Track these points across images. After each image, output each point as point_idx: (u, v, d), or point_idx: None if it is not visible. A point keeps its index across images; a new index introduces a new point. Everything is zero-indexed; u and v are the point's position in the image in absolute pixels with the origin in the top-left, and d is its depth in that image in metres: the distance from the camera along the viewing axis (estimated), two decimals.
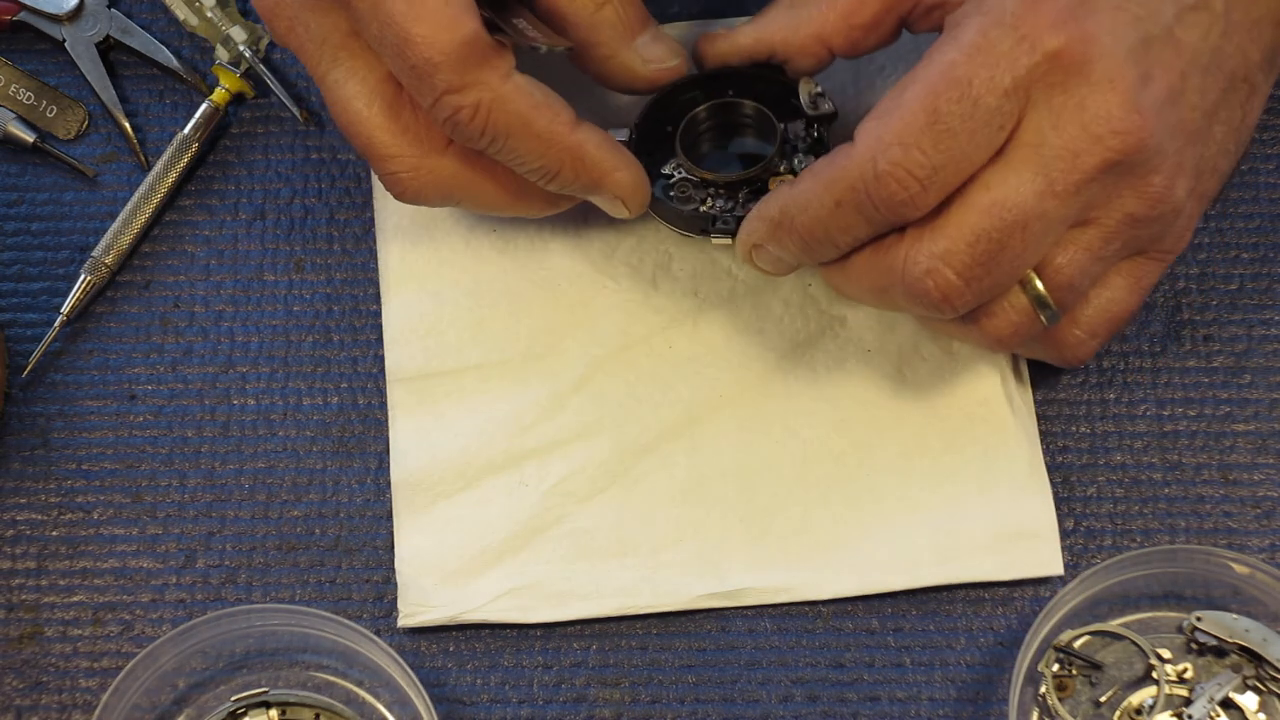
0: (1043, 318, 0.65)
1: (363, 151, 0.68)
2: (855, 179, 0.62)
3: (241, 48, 0.77)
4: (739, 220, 0.68)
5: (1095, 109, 0.61)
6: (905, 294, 0.64)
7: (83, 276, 0.75)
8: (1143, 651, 0.70)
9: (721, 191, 0.69)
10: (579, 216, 0.75)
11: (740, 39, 0.70)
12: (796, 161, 0.69)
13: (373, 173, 0.76)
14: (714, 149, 0.72)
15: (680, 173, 0.70)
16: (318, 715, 0.70)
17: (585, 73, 0.69)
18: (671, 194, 0.70)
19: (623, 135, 0.70)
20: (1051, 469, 0.72)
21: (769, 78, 0.70)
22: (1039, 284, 0.65)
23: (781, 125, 0.69)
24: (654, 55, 0.69)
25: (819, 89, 0.69)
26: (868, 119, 0.63)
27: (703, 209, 0.69)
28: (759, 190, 0.69)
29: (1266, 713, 0.69)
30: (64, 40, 0.78)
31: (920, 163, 0.61)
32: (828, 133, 0.69)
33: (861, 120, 0.63)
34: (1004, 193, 0.62)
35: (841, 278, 0.67)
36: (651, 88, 0.70)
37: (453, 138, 0.66)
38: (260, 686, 0.70)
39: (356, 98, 0.66)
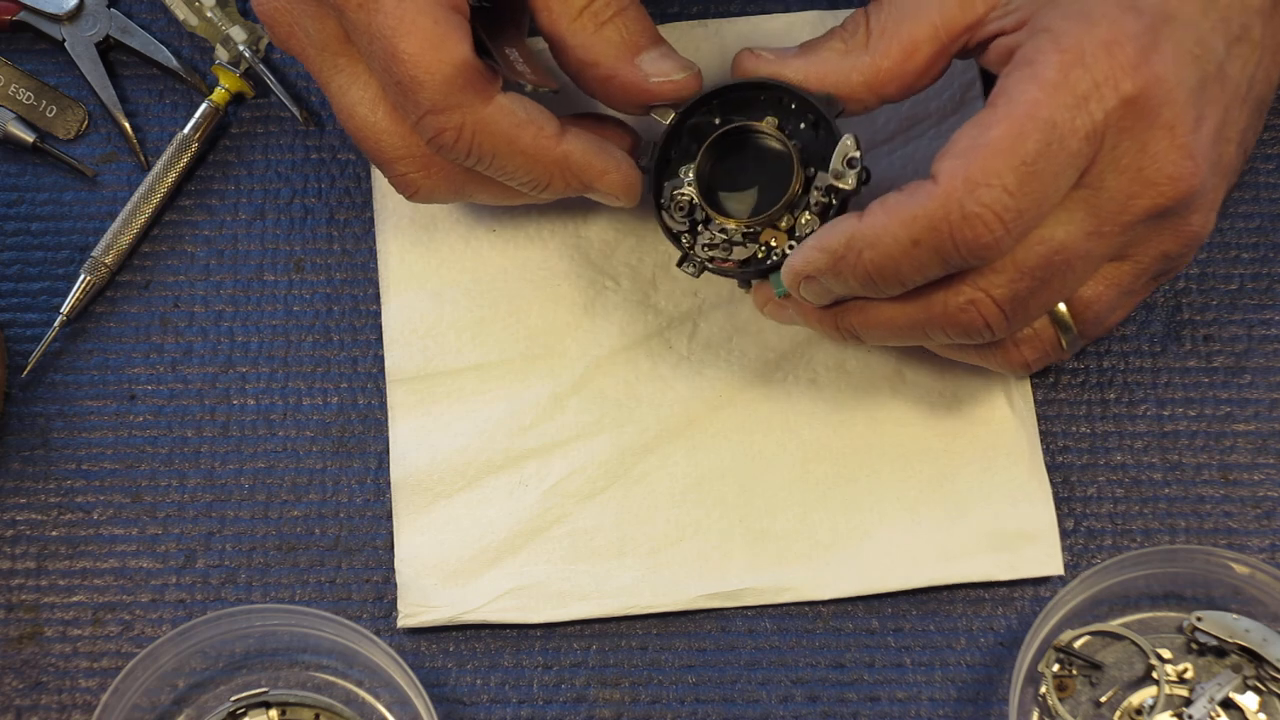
0: (1064, 343, 0.66)
1: (372, 156, 0.68)
2: (939, 218, 0.60)
3: (241, 48, 0.77)
4: (712, 266, 0.67)
5: (1155, 154, 0.61)
6: (945, 324, 0.64)
7: (82, 276, 0.75)
8: (1143, 651, 0.70)
9: (719, 232, 0.67)
10: (579, 216, 0.75)
11: (788, 71, 0.66)
12: (803, 221, 0.66)
13: (373, 172, 0.76)
14: (724, 168, 0.69)
15: (686, 193, 0.68)
16: (318, 715, 0.70)
17: (585, 93, 0.68)
18: (666, 206, 0.68)
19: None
20: (1051, 469, 0.72)
21: (794, 96, 0.67)
22: (1066, 313, 0.65)
23: (798, 177, 0.66)
24: (659, 70, 0.67)
25: (857, 152, 0.65)
26: (948, 156, 0.61)
27: (690, 240, 0.68)
28: (750, 237, 0.67)
29: (1266, 713, 0.69)
30: (64, 40, 0.78)
31: (1008, 205, 0.60)
32: (846, 204, 0.66)
33: (938, 157, 0.61)
34: (1054, 231, 0.62)
35: (866, 322, 0.66)
36: (654, 103, 0.67)
37: (440, 155, 0.66)
38: (260, 686, 0.70)
39: (361, 103, 0.66)
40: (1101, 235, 0.62)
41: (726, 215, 0.67)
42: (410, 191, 0.68)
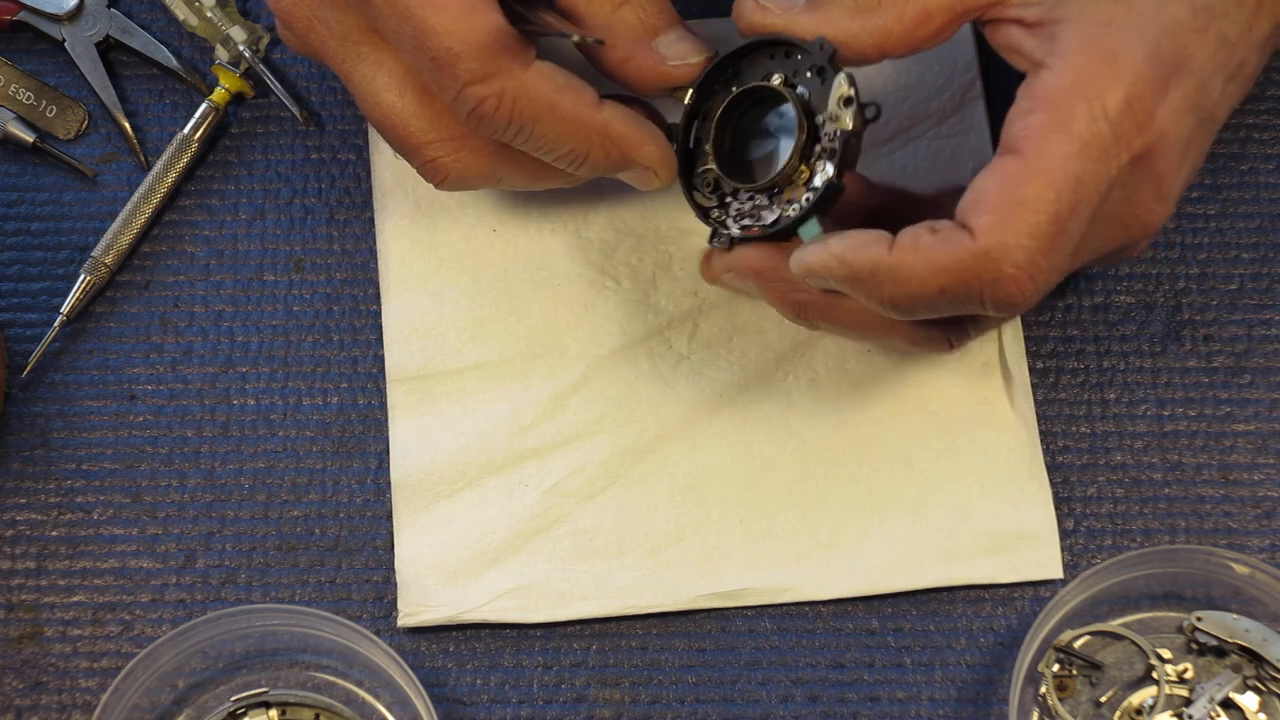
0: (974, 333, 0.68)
1: (400, 143, 0.67)
2: (972, 276, 0.61)
3: (241, 48, 0.77)
4: (740, 235, 0.67)
5: (1138, 204, 0.62)
6: (909, 339, 0.67)
7: (82, 276, 0.75)
8: (1143, 651, 0.70)
9: (747, 200, 0.67)
10: (579, 216, 0.75)
11: (797, 27, 0.65)
12: (820, 169, 0.65)
13: (373, 172, 0.76)
14: (745, 132, 0.69)
15: (711, 169, 0.68)
16: (318, 715, 0.70)
17: (602, 74, 0.68)
18: (697, 186, 0.68)
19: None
20: (1051, 469, 0.72)
21: (796, 48, 0.66)
22: None
23: (802, 127, 0.66)
24: (676, 52, 0.67)
25: (851, 90, 0.65)
26: (983, 210, 0.61)
27: (722, 214, 0.68)
28: (775, 197, 0.67)
29: (1267, 713, 0.69)
30: (64, 40, 0.78)
31: (1041, 265, 0.61)
32: (849, 145, 0.65)
33: (970, 206, 0.61)
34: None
35: (832, 316, 0.67)
36: (670, 87, 0.68)
37: (477, 131, 0.65)
38: (260, 686, 0.70)
39: (387, 89, 0.66)
40: (1070, 270, 0.64)
41: (752, 182, 0.67)
42: (440, 177, 0.67)
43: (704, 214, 0.68)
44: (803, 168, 0.66)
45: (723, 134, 0.68)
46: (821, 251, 0.64)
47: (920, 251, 0.62)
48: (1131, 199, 0.62)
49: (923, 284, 0.62)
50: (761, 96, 0.67)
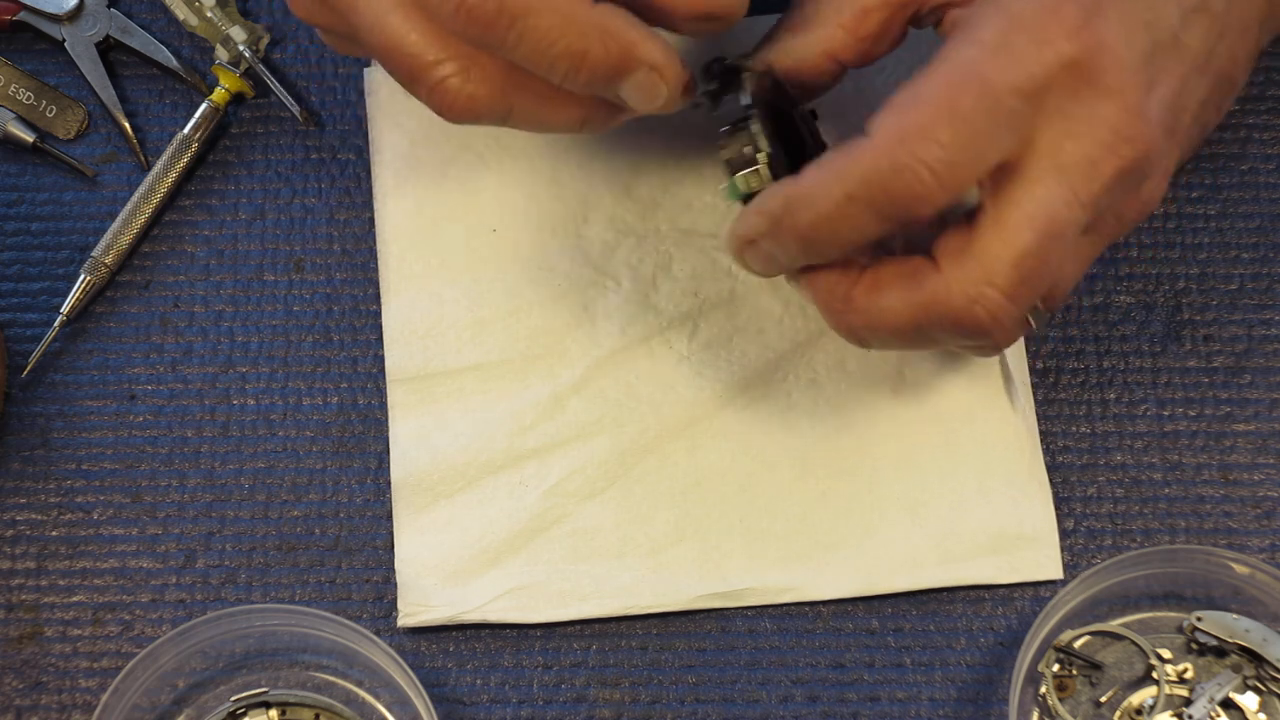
0: (1033, 323, 0.65)
1: (406, 67, 0.64)
2: (870, 171, 0.60)
3: (241, 48, 0.77)
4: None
5: (1105, 118, 0.61)
6: (951, 327, 0.63)
7: (82, 276, 0.75)
8: (1143, 651, 0.70)
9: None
10: (579, 216, 0.75)
11: (752, 64, 0.66)
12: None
13: (373, 172, 0.76)
14: None
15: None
16: (318, 715, 0.70)
17: (631, 6, 0.64)
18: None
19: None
20: (1051, 469, 0.72)
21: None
22: None
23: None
24: None
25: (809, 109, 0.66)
26: (882, 113, 0.61)
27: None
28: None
29: (1267, 713, 0.69)
30: (64, 40, 0.78)
31: (939, 157, 0.60)
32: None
33: (872, 115, 0.61)
34: (1037, 206, 0.61)
35: (868, 323, 0.64)
36: (708, 14, 0.64)
37: (468, 34, 0.62)
38: (260, 686, 0.70)
39: (390, 12, 0.63)
40: (1080, 204, 0.61)
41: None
42: (448, 102, 0.64)
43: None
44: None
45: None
46: (741, 216, 0.64)
47: (823, 166, 0.62)
48: (1094, 113, 0.61)
49: (829, 196, 0.61)
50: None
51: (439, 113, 0.64)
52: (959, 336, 0.63)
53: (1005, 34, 0.60)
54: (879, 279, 0.64)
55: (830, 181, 0.61)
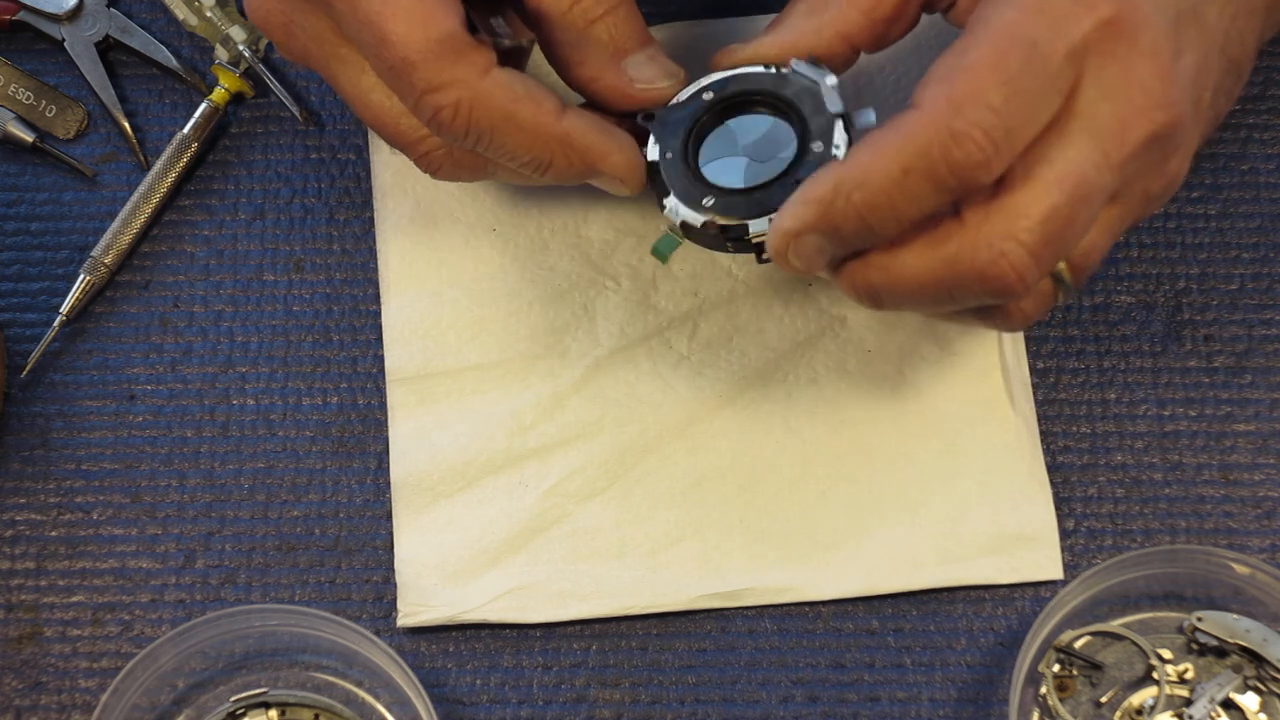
0: (1060, 294, 0.64)
1: (393, 141, 0.67)
2: (927, 142, 0.59)
3: (241, 47, 0.77)
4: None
5: (1140, 79, 0.60)
6: (974, 283, 0.61)
7: (82, 276, 0.75)
8: (1143, 652, 0.70)
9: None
10: (579, 216, 0.75)
11: (763, 49, 0.65)
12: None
13: (373, 172, 0.76)
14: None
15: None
16: (317, 715, 0.70)
17: (573, 89, 0.67)
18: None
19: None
20: (1051, 469, 0.72)
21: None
22: (1063, 264, 0.63)
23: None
24: (644, 76, 0.66)
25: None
26: (928, 85, 0.60)
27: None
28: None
29: (1267, 713, 0.69)
30: (63, 40, 0.78)
31: (995, 123, 0.59)
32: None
33: (919, 86, 0.60)
34: (1068, 166, 0.60)
35: (887, 280, 0.62)
36: (636, 109, 0.66)
37: (439, 137, 0.65)
38: (260, 687, 0.70)
39: (373, 89, 0.66)
40: (1109, 167, 0.61)
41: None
42: (434, 170, 0.67)
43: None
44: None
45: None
46: (786, 210, 0.62)
47: (873, 145, 0.60)
48: (1130, 72, 0.60)
49: (885, 173, 0.59)
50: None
51: (427, 174, 0.68)
52: (981, 295, 0.62)
53: None
54: (902, 240, 0.62)
55: (884, 157, 0.59)
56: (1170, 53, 0.61)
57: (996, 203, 0.60)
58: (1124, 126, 0.60)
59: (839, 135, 0.63)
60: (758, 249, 0.64)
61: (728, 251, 0.65)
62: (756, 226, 0.63)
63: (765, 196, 0.63)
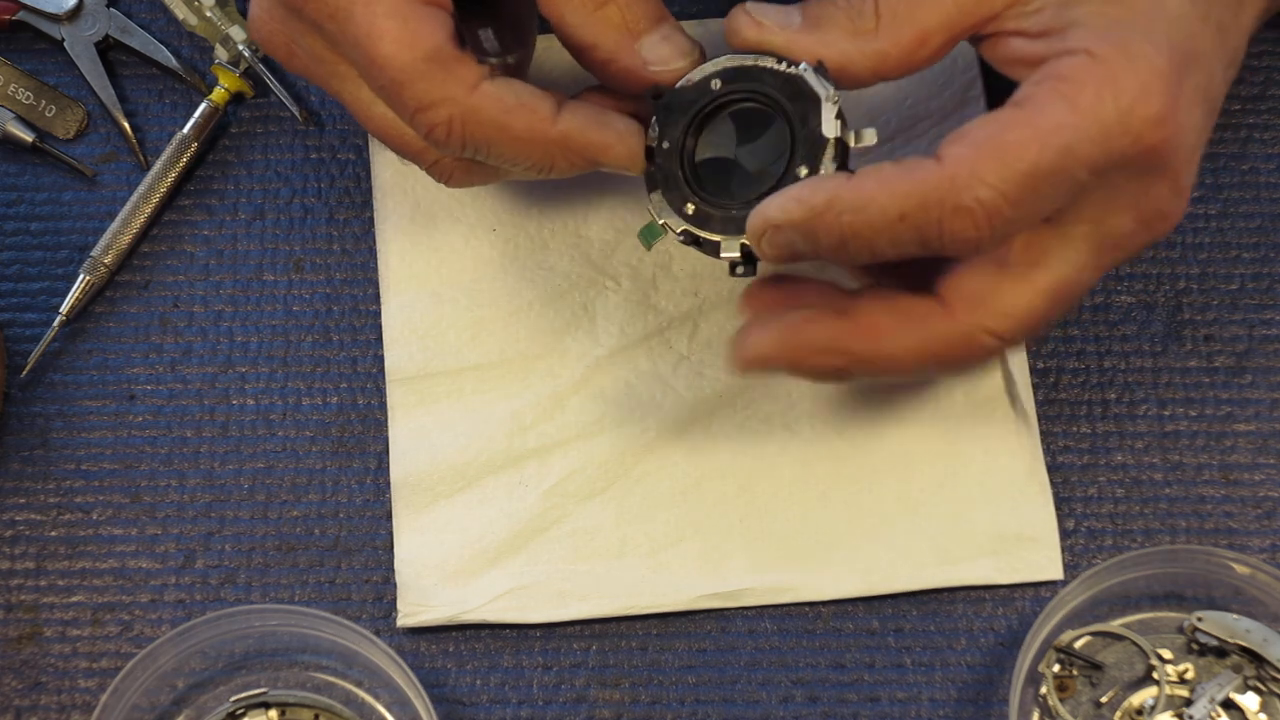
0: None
1: (401, 151, 0.67)
2: (932, 201, 0.59)
3: (241, 47, 0.77)
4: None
5: (1155, 198, 0.61)
6: (953, 367, 0.65)
7: (82, 276, 0.75)
8: (1143, 652, 0.70)
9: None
10: (579, 216, 0.75)
11: (794, 47, 0.64)
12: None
13: (373, 172, 0.76)
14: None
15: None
16: (317, 716, 0.70)
17: (589, 72, 0.67)
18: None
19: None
20: (1052, 469, 0.72)
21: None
22: None
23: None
24: (658, 56, 0.65)
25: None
26: (960, 143, 0.60)
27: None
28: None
29: (1267, 713, 0.69)
30: (63, 40, 0.78)
31: (1000, 210, 0.59)
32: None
33: (949, 139, 0.60)
34: (1063, 274, 0.62)
35: (871, 369, 0.64)
36: (654, 90, 0.66)
37: (439, 151, 0.65)
38: (260, 687, 0.70)
39: (375, 103, 0.66)
40: (1097, 268, 0.63)
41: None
42: (447, 178, 0.68)
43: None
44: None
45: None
46: (776, 199, 0.62)
47: (880, 178, 0.60)
48: (1148, 192, 0.61)
49: (882, 210, 0.60)
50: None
51: (439, 182, 0.68)
52: (953, 373, 0.65)
53: (1099, 102, 0.59)
54: (875, 325, 0.63)
55: (885, 195, 0.60)
56: (1192, 165, 0.62)
57: (991, 298, 0.62)
58: (1125, 237, 0.62)
59: (827, 164, 0.63)
60: (730, 265, 0.65)
61: (705, 254, 0.66)
62: (728, 247, 0.64)
63: (742, 218, 0.63)
